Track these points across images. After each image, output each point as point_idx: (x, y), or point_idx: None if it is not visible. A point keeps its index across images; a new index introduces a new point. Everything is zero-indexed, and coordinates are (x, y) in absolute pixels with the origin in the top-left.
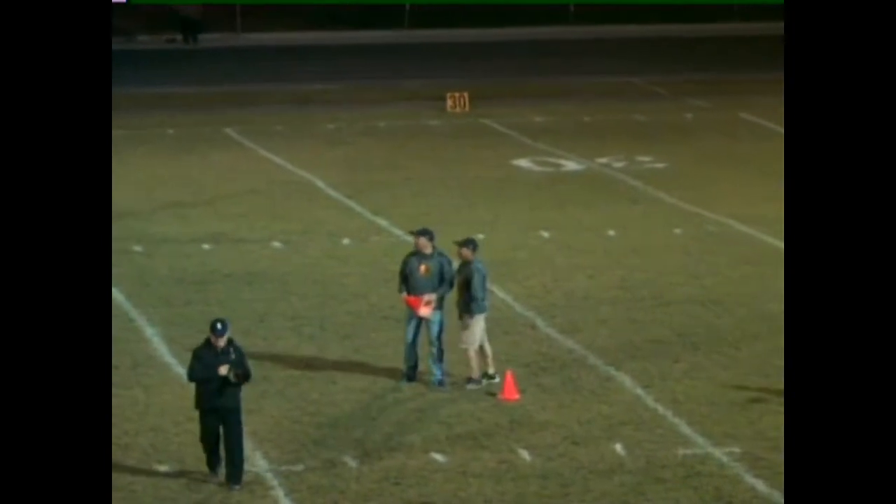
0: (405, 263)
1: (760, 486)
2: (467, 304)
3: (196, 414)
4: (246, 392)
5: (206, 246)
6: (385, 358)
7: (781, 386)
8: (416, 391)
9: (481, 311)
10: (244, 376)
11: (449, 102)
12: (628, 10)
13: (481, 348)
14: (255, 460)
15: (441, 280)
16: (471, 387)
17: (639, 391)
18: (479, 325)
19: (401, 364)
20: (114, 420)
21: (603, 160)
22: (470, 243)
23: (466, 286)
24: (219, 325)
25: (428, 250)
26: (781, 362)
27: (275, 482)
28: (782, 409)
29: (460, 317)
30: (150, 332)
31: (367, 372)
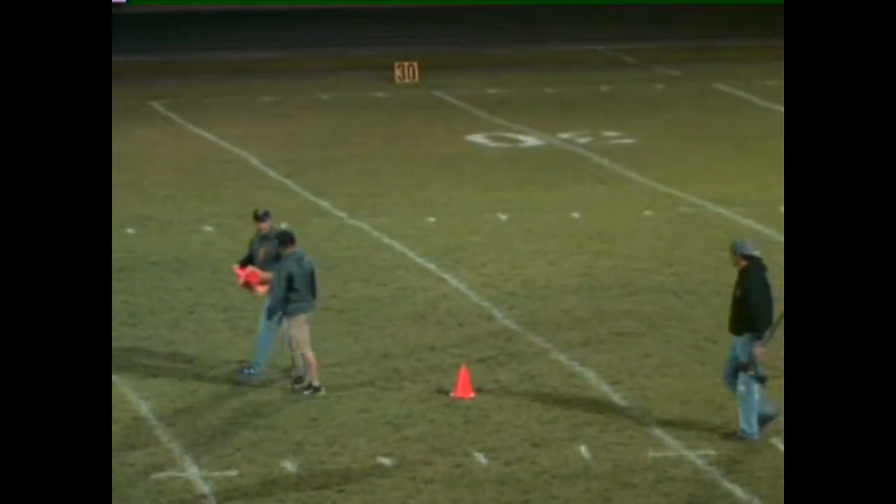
0: (252, 243)
1: (738, 492)
2: (286, 303)
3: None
4: (175, 391)
5: (130, 230)
6: (328, 353)
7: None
8: (366, 396)
9: (302, 311)
10: None
11: (397, 72)
12: None
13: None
14: (185, 466)
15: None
16: (307, 392)
17: (605, 388)
18: (302, 326)
19: (340, 357)
20: None
21: (565, 135)
22: (282, 236)
23: (289, 284)
24: None
25: (266, 232)
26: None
27: (207, 489)
28: (738, 431)
29: (281, 319)
30: None
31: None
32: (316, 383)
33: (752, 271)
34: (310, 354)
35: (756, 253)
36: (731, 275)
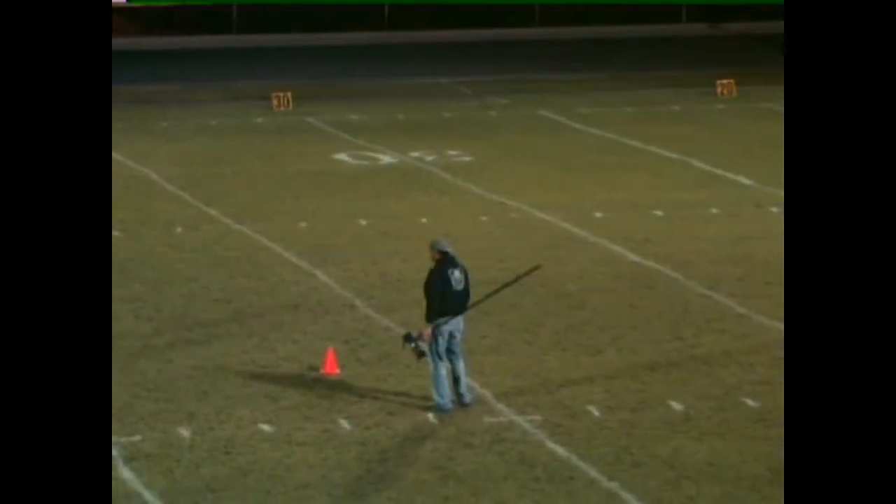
0: None
1: (559, 450)
2: None
3: None
4: None
5: None
6: (215, 337)
7: (578, 359)
8: (248, 373)
9: None
10: None
11: (274, 102)
12: (437, 15)
13: None
14: None
15: None
16: None
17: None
18: None
19: (228, 341)
20: None
21: (415, 154)
22: None
23: None
24: None
25: None
26: (578, 337)
27: (115, 452)
28: (578, 378)
29: None
30: None
31: (200, 350)
32: None
33: (440, 265)
34: None
35: (449, 250)
36: (553, 269)
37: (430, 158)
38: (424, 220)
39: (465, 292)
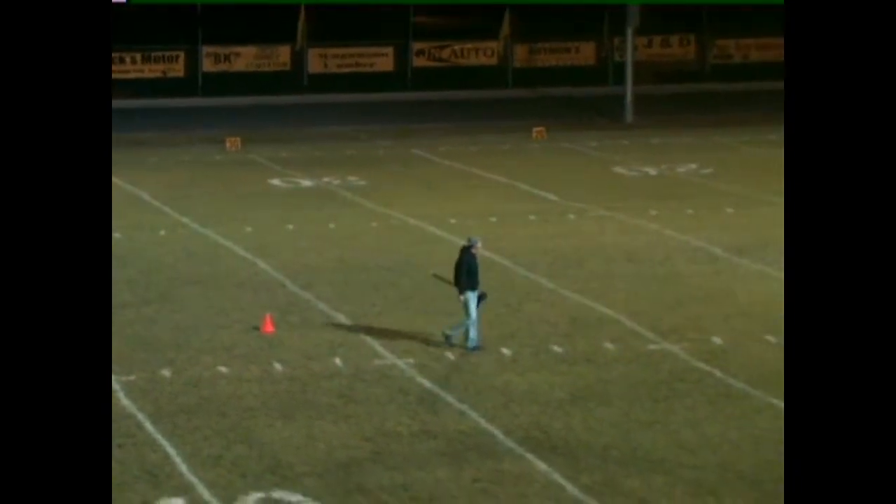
0: None
1: (427, 383)
2: None
3: None
4: None
5: None
6: (188, 307)
7: (439, 319)
8: (210, 331)
9: None
10: None
11: (228, 144)
12: (343, 82)
13: None
14: None
15: None
16: None
17: (351, 324)
18: None
19: (196, 311)
20: None
21: (326, 179)
22: None
23: None
24: None
25: None
26: (439, 305)
27: (116, 387)
28: (440, 333)
29: None
30: None
31: (177, 316)
32: None
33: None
34: None
35: (466, 244)
36: (422, 259)
37: (336, 182)
38: (332, 225)
39: (455, 273)
